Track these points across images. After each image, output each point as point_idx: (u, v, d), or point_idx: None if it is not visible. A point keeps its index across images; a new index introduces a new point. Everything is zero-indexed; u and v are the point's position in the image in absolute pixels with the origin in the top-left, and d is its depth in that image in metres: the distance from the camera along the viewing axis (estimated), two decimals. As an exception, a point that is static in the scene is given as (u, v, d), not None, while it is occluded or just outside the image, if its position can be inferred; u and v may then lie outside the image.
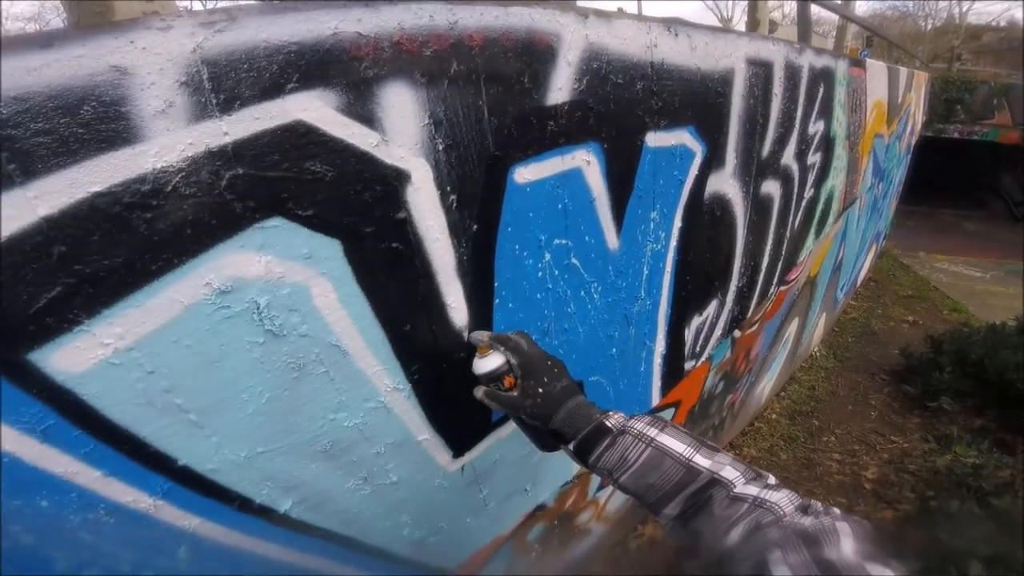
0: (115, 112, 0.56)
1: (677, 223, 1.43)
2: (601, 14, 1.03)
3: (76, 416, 0.63)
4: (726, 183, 1.59)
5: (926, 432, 3.61)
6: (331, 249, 0.76)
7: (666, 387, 1.76)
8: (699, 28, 1.31)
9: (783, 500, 0.68)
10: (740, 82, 1.52)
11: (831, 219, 3.06)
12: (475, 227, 0.93)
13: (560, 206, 1.07)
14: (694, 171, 1.42)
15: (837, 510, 0.67)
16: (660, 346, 1.62)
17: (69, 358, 0.60)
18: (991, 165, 11.93)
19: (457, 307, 0.95)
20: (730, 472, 0.74)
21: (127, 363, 0.64)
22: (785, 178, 2.06)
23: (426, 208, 0.85)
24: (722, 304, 1.93)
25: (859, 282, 6.17)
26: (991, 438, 3.31)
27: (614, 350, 1.41)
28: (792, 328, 3.47)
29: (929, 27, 26.41)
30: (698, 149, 1.40)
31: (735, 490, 0.71)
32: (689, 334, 1.77)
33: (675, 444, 0.79)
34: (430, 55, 0.78)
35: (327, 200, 0.73)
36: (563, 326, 1.20)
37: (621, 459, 0.80)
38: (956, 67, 14.06)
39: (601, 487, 1.93)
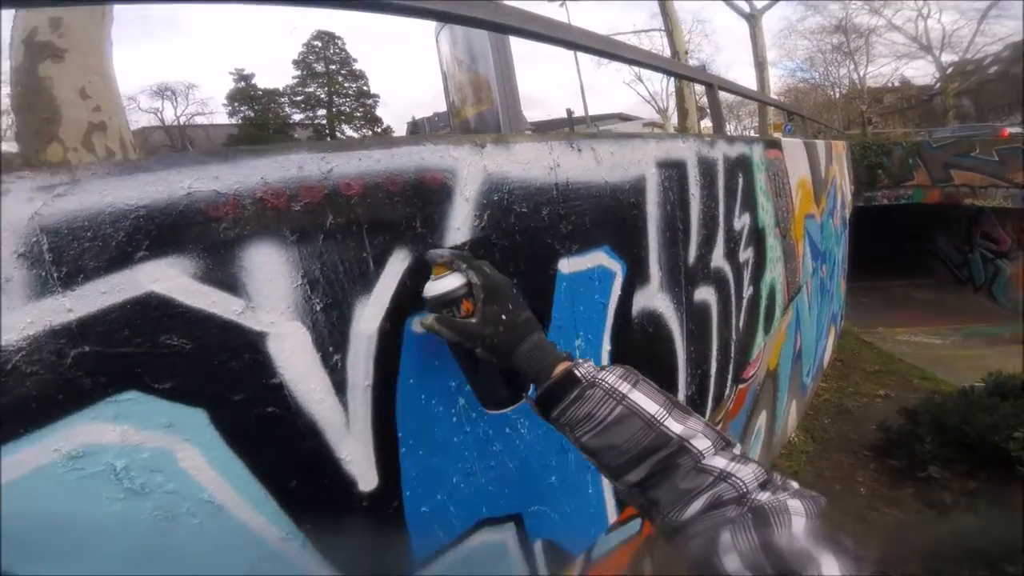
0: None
1: (606, 346, 1.49)
2: (499, 140, 1.13)
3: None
4: (654, 298, 1.69)
5: (920, 502, 3.83)
6: (195, 418, 0.75)
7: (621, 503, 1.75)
8: (602, 138, 1.46)
9: (748, 476, 0.71)
10: (653, 188, 1.66)
11: (778, 312, 3.28)
12: (368, 383, 0.94)
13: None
14: (616, 291, 1.50)
15: (795, 483, 0.71)
16: (606, 465, 1.62)
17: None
18: (926, 227, 13.40)
19: (354, 460, 0.94)
20: (701, 441, 0.75)
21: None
22: (718, 281, 2.22)
23: (304, 371, 0.85)
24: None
25: (825, 365, 6.55)
26: (987, 499, 3.54)
27: (553, 478, 1.42)
28: (761, 420, 3.64)
29: (838, 95, 30.55)
30: (617, 268, 1.49)
31: (703, 461, 0.73)
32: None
33: (647, 404, 0.79)
34: (301, 209, 0.82)
35: (188, 372, 0.74)
36: (489, 464, 1.21)
37: (587, 416, 0.80)
38: (870, 131, 16.14)
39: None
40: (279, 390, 0.83)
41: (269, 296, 0.80)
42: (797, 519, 0.63)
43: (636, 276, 1.59)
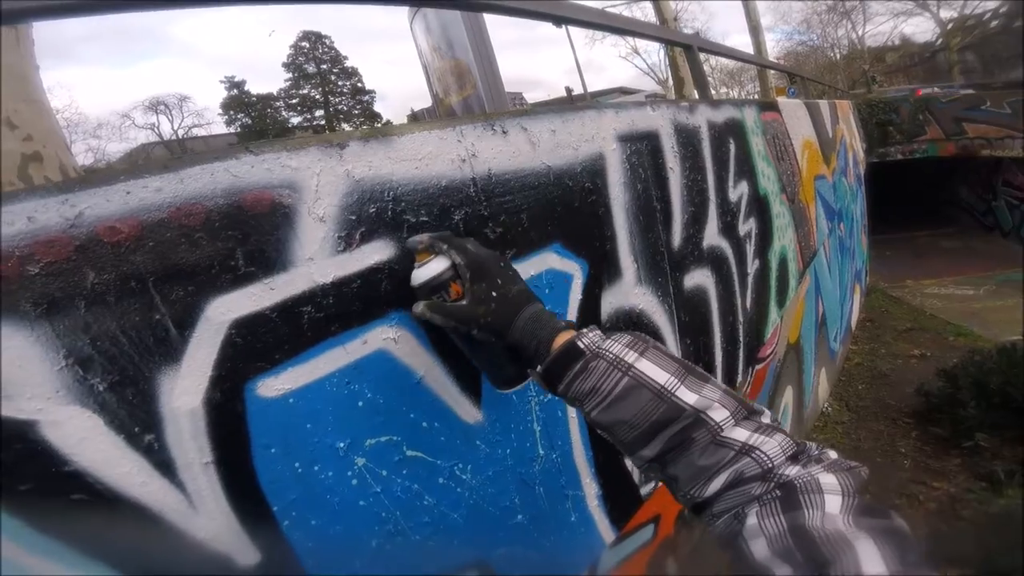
0: None
1: (571, 362, 1.18)
2: (371, 134, 0.84)
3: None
4: (630, 294, 1.38)
5: (970, 473, 3.43)
6: None
7: (620, 519, 1.50)
8: (538, 115, 1.15)
9: (774, 449, 0.63)
10: (616, 167, 1.36)
11: (793, 282, 2.91)
12: (207, 461, 0.70)
13: (361, 403, 0.83)
14: (576, 295, 1.19)
15: (832, 453, 0.62)
16: (592, 490, 1.37)
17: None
18: (946, 178, 12.70)
19: (216, 538, 0.73)
20: (718, 412, 0.67)
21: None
22: (715, 261, 1.88)
23: (107, 456, 0.64)
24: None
25: (853, 326, 6.07)
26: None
27: (520, 516, 1.16)
28: (788, 397, 3.30)
29: (838, 57, 29.18)
30: (574, 268, 1.18)
31: (721, 433, 0.66)
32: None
33: (656, 373, 0.71)
34: (41, 273, 0.57)
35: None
36: (423, 520, 0.97)
37: (593, 389, 0.72)
38: (875, 89, 15.37)
39: None
40: (80, 477, 0.63)
41: (25, 383, 0.58)
42: (831, 498, 0.55)
43: (602, 273, 1.28)
